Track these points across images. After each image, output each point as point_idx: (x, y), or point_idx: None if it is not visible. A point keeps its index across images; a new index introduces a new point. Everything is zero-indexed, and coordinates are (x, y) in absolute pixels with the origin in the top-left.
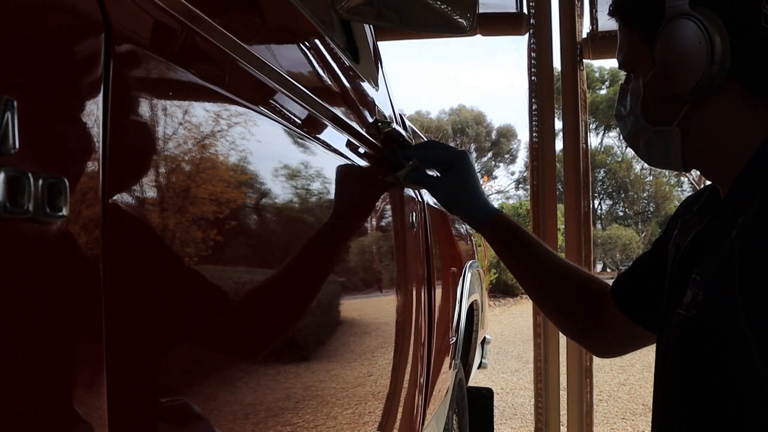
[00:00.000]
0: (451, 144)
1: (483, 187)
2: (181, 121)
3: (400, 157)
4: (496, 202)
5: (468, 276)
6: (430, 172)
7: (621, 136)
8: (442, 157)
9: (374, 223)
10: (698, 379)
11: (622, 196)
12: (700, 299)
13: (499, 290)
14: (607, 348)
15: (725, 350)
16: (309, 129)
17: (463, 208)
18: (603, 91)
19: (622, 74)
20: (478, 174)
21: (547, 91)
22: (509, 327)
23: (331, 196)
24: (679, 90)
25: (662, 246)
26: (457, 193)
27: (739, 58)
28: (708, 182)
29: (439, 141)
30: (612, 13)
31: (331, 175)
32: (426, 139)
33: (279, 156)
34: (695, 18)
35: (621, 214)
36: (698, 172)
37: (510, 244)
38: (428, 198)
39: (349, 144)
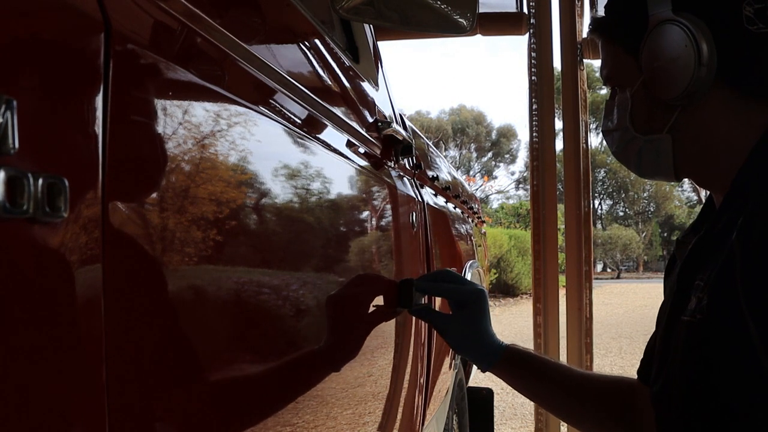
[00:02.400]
0: (451, 144)
1: (483, 186)
2: (181, 121)
3: (414, 289)
4: (496, 202)
5: (468, 276)
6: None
7: (610, 152)
8: (459, 295)
9: (374, 223)
10: (705, 382)
11: (623, 196)
12: (705, 303)
13: (499, 290)
14: None
15: (731, 352)
16: (309, 129)
17: (473, 350)
18: (603, 91)
19: None
20: (478, 174)
21: (547, 91)
22: (509, 327)
23: (331, 196)
24: (669, 95)
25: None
26: (468, 334)
27: (725, 60)
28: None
29: (455, 273)
30: (592, 31)
31: (331, 175)
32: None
33: (279, 156)
34: (680, 23)
35: (621, 214)
36: None
37: (526, 376)
38: (428, 198)
39: (349, 144)
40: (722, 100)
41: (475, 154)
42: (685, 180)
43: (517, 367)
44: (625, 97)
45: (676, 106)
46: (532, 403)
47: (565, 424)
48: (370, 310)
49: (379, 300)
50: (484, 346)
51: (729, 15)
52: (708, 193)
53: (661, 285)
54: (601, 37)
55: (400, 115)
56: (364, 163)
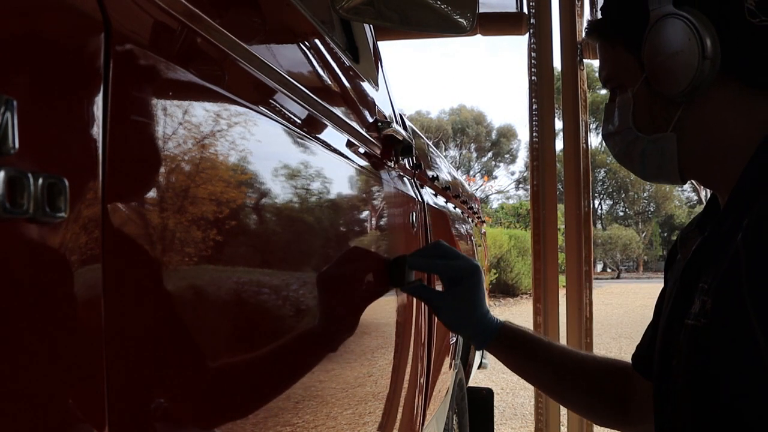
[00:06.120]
0: (451, 144)
1: (483, 186)
2: (181, 121)
3: (406, 266)
4: (496, 202)
5: None
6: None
7: (612, 156)
8: (452, 271)
9: (374, 223)
10: (710, 387)
11: (623, 196)
12: (709, 307)
13: (499, 290)
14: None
15: (737, 358)
16: (309, 129)
17: (468, 328)
18: (603, 91)
19: None
20: (478, 174)
21: (547, 91)
22: None
23: (331, 196)
24: (673, 90)
25: (663, 299)
26: (463, 312)
27: (729, 53)
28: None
29: (449, 246)
30: (589, 32)
31: (331, 175)
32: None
33: (279, 156)
34: (682, 16)
35: (621, 214)
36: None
37: (519, 356)
38: (428, 198)
39: (349, 144)
40: (726, 94)
41: (475, 154)
42: None
43: (510, 346)
44: (627, 98)
45: (679, 103)
46: (532, 403)
47: (565, 425)
48: (361, 290)
49: (370, 278)
50: (478, 324)
51: (731, 8)
52: (710, 192)
53: (662, 285)
54: (600, 39)
55: (400, 115)
56: (364, 163)
